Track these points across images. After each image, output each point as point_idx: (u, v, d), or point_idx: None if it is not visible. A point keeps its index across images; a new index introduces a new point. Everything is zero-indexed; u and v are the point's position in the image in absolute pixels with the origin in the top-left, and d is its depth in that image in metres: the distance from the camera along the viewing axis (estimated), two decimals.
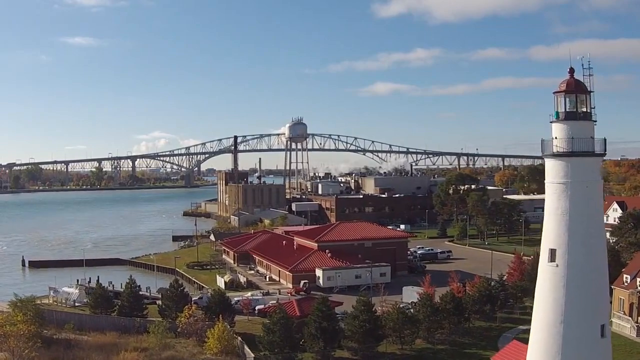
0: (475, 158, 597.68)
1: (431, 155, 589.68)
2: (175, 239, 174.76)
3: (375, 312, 63.79)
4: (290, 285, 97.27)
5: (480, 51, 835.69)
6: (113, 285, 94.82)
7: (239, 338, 63.58)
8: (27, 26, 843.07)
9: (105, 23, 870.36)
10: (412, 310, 70.76)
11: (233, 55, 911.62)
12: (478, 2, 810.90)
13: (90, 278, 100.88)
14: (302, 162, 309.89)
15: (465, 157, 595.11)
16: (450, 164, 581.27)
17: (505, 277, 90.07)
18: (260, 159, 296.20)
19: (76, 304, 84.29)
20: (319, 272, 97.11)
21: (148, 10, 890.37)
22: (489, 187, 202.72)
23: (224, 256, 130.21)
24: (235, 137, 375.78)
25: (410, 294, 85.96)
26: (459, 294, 75.87)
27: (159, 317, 71.95)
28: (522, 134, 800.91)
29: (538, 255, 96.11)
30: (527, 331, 74.06)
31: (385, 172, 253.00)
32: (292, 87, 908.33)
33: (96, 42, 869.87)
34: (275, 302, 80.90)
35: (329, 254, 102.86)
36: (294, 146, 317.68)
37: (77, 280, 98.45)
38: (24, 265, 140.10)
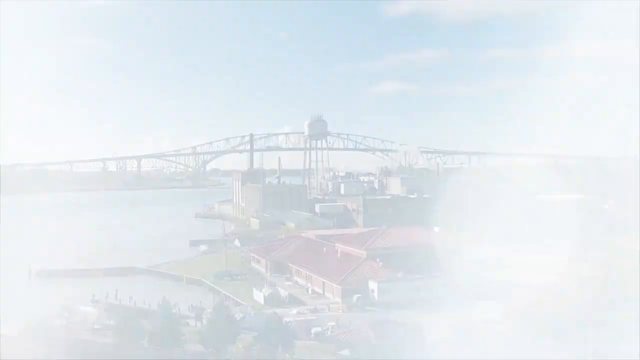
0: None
1: (441, 155, 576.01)
2: (193, 243, 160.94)
3: None
4: (339, 300, 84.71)
5: (488, 50, 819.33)
6: (135, 302, 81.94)
7: None
8: (32, 26, 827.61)
9: (111, 23, 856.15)
10: None
11: (239, 55, 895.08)
12: (486, 1, 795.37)
13: (107, 292, 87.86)
14: (321, 161, 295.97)
15: (476, 156, 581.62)
16: (461, 164, 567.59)
17: None
18: (280, 157, 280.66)
19: (95, 326, 71.23)
20: (373, 285, 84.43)
21: (153, 10, 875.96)
22: None
23: (252, 264, 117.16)
24: (252, 135, 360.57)
25: None
26: None
27: (199, 347, 59.02)
28: (529, 134, 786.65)
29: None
30: None
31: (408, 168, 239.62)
32: (297, 86, 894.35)
33: (102, 42, 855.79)
34: (334, 324, 68.58)
35: (380, 263, 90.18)
36: (308, 145, 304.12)
37: (93, 296, 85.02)
38: (29, 274, 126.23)
